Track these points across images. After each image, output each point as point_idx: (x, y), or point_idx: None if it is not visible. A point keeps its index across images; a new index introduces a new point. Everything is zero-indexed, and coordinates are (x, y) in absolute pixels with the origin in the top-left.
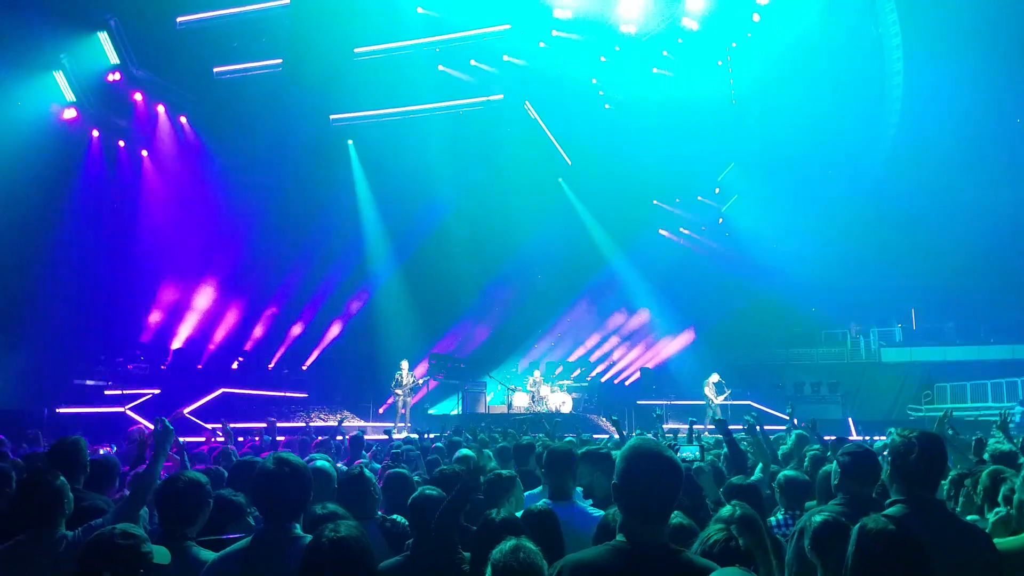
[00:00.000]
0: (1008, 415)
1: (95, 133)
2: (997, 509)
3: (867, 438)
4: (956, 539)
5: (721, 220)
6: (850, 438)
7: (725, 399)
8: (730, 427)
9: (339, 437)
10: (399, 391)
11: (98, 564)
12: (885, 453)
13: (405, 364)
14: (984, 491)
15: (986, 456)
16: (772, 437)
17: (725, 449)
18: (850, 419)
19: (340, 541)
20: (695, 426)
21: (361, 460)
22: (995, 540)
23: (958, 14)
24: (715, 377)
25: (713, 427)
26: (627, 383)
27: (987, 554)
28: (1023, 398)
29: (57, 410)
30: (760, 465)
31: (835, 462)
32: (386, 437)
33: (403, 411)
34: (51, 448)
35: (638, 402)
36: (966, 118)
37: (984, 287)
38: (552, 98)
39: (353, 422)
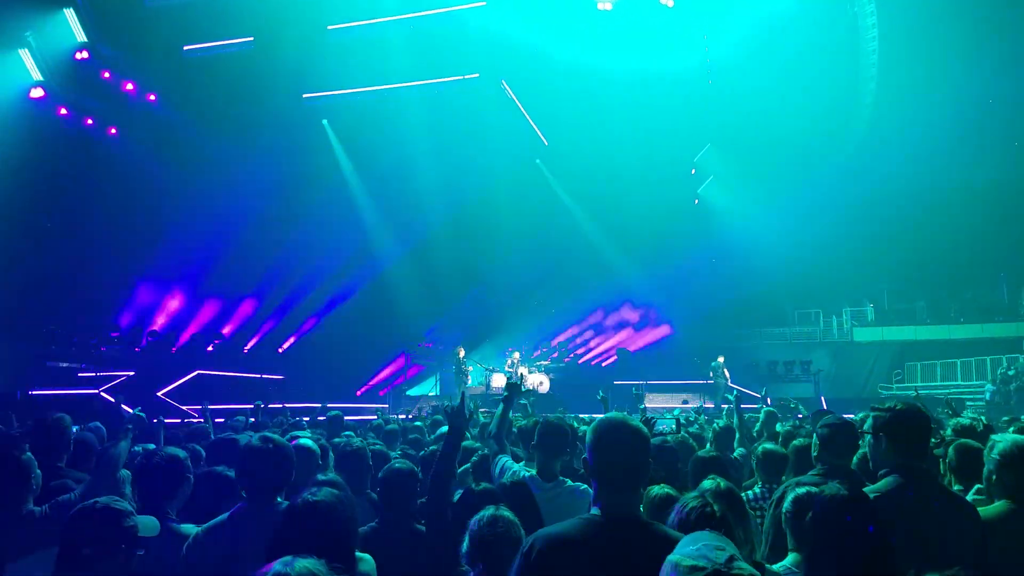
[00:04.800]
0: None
1: (63, 111)
2: (978, 486)
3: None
4: (946, 508)
5: (697, 201)
6: None
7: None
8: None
9: (320, 418)
10: (463, 374)
11: (79, 539)
12: (865, 430)
13: (462, 351)
14: (950, 466)
15: (948, 432)
16: (747, 416)
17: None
18: (822, 398)
19: (316, 504)
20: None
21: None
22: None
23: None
24: (721, 358)
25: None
26: (604, 364)
27: (973, 523)
28: (991, 377)
29: (30, 392)
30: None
31: (815, 434)
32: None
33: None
34: (34, 426)
35: (615, 382)
36: (938, 100)
37: (953, 268)
38: (528, 77)
39: (333, 404)
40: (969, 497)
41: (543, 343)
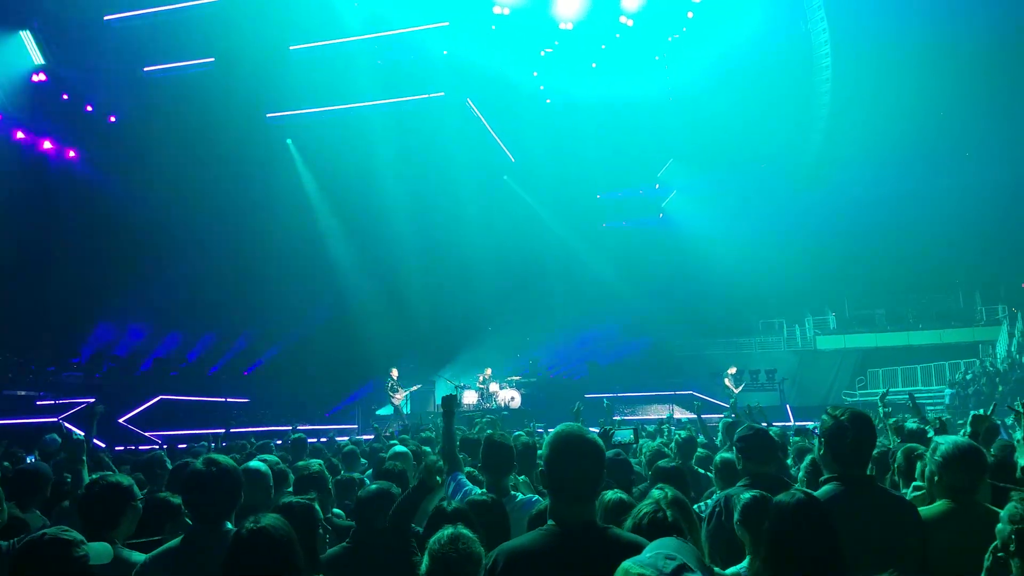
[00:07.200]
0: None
1: (20, 135)
2: (915, 483)
3: (804, 424)
4: (888, 511)
5: (661, 215)
6: (789, 423)
7: (740, 390)
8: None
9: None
10: (394, 395)
11: (29, 571)
12: (817, 433)
13: (395, 372)
14: (899, 468)
15: (895, 441)
16: (710, 425)
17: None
18: (787, 406)
19: (259, 531)
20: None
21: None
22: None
23: (884, 13)
24: (732, 370)
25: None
26: (575, 378)
27: (915, 523)
28: (949, 380)
29: None
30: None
31: (734, 447)
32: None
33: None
34: None
35: (585, 395)
36: (891, 111)
37: (910, 275)
38: (493, 94)
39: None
40: (909, 495)
41: (515, 359)
